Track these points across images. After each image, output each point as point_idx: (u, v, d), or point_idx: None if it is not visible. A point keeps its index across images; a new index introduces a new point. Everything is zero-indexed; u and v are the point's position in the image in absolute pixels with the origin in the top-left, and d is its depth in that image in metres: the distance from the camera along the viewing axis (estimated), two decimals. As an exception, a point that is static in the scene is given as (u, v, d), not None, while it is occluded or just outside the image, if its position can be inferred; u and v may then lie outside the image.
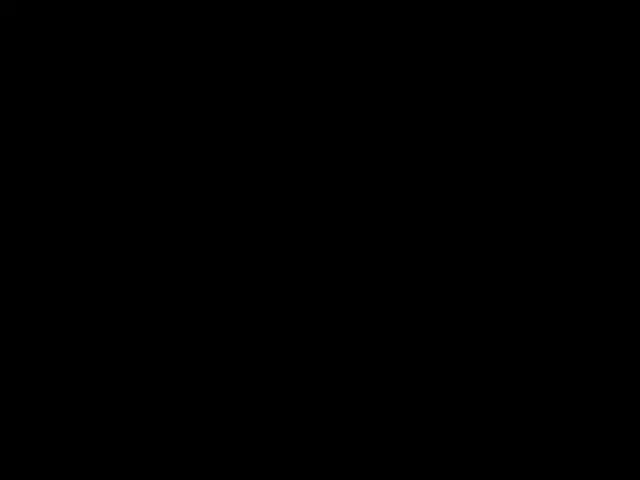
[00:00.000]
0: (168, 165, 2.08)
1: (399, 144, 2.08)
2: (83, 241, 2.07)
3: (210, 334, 2.06)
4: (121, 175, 2.08)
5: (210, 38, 2.09)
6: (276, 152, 2.09)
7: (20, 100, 2.09)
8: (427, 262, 2.06)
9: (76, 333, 2.06)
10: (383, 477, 2.03)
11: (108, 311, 2.06)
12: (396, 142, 2.08)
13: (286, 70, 2.09)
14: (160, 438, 2.04)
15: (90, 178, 2.08)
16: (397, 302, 2.06)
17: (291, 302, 2.06)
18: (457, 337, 2.05)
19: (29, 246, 2.07)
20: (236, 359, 2.06)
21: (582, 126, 2.07)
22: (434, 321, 2.06)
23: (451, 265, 2.06)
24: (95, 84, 2.09)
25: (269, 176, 2.08)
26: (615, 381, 2.03)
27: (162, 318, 2.06)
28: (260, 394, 2.05)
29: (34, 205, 2.07)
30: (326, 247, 2.07)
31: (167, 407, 2.05)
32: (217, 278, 2.07)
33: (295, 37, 2.09)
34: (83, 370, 2.05)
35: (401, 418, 2.04)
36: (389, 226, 2.07)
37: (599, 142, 2.07)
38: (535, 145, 2.07)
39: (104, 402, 2.05)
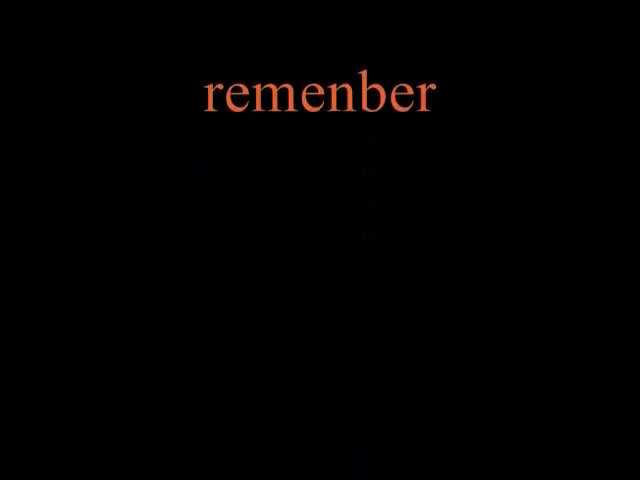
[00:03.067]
0: (165, 164, 2.09)
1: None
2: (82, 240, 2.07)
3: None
4: (120, 174, 2.08)
5: (209, 37, 2.10)
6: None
7: (20, 100, 2.09)
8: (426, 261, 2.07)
9: (76, 332, 2.06)
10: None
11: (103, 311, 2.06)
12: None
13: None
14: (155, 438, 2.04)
15: (90, 177, 2.08)
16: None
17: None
18: (455, 333, 2.06)
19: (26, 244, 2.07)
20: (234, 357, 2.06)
21: (583, 126, 2.08)
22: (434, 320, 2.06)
23: (450, 264, 2.07)
24: (95, 84, 2.09)
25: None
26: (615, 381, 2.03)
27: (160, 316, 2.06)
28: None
29: (33, 204, 2.08)
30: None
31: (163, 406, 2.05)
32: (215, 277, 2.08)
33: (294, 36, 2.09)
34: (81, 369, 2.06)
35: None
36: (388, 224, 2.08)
37: (599, 142, 2.07)
38: (534, 145, 2.08)
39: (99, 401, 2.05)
